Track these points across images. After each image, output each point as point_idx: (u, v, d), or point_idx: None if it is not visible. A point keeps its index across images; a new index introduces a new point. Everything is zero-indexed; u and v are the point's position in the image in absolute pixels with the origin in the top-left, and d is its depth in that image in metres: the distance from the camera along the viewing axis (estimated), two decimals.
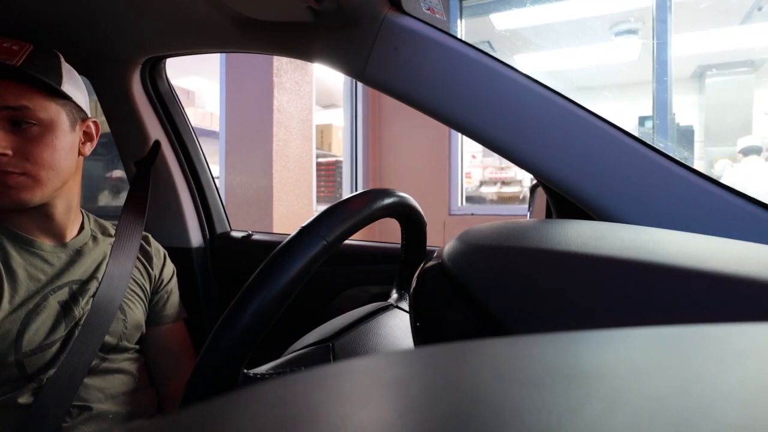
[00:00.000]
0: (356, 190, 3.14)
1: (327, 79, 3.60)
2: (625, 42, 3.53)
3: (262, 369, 0.46)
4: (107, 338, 0.73)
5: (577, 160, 0.54)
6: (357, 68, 0.63)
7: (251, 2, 0.63)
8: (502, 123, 0.56)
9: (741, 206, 0.49)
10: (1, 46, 0.66)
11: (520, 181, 4.61)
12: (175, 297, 0.89)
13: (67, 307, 0.71)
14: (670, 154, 0.52)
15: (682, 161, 0.52)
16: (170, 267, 0.89)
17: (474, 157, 4.68)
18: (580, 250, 0.30)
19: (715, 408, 0.11)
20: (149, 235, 0.89)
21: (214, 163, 1.87)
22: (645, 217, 0.51)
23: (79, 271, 0.75)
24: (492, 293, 0.31)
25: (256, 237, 1.11)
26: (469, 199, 3.67)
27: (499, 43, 3.62)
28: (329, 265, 0.59)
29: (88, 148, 0.77)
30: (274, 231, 2.43)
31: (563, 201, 0.57)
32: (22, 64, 0.65)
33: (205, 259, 1.10)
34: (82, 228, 0.79)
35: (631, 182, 0.52)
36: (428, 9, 0.63)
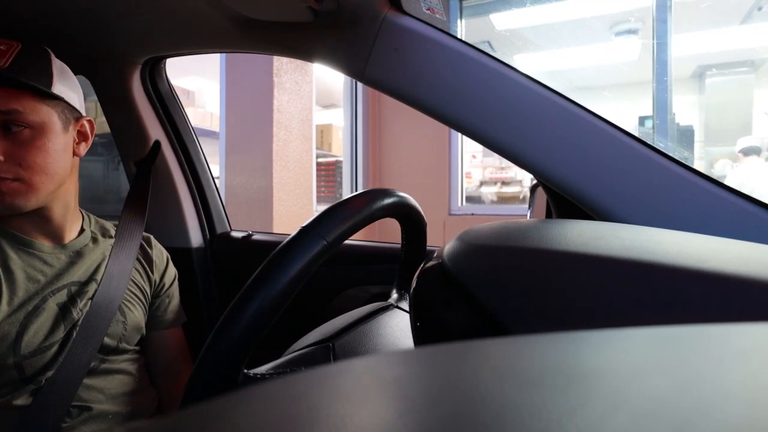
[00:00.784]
0: (356, 190, 3.14)
1: (327, 79, 3.60)
2: (625, 42, 3.53)
3: (263, 369, 0.46)
4: (107, 340, 0.73)
5: (578, 160, 0.54)
6: (357, 68, 0.63)
7: (251, 2, 0.63)
8: (502, 123, 0.56)
9: (741, 206, 0.49)
10: None
11: (520, 181, 4.61)
12: (175, 301, 0.89)
13: (66, 309, 0.71)
14: (670, 154, 0.52)
15: (682, 161, 0.52)
16: (172, 271, 0.89)
17: (474, 157, 4.68)
18: (580, 250, 0.30)
19: (715, 408, 0.11)
20: (152, 237, 0.89)
21: (214, 163, 1.87)
22: (645, 217, 0.51)
23: (78, 273, 0.74)
24: (492, 293, 0.31)
25: (256, 237, 1.11)
26: (469, 199, 3.67)
27: (499, 43, 3.62)
28: (329, 265, 0.59)
29: (83, 148, 0.75)
30: (274, 231, 2.43)
31: (563, 201, 0.57)
32: (10, 65, 0.63)
33: (205, 259, 1.10)
34: (82, 229, 0.79)
35: (631, 182, 0.52)
36: (428, 9, 0.63)
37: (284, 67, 2.52)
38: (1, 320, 0.65)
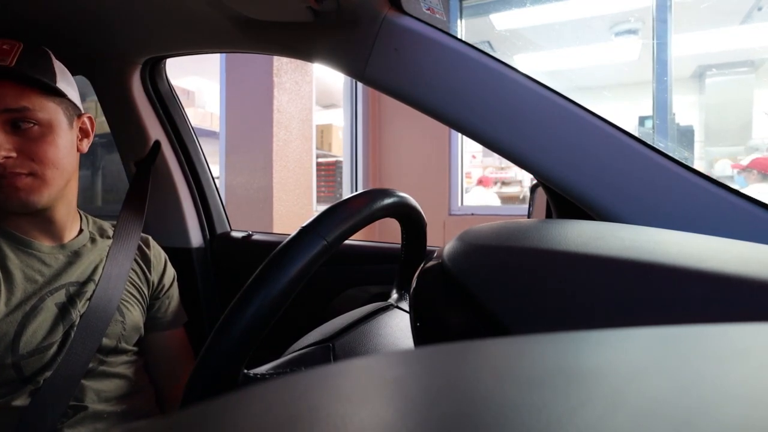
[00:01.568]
0: (356, 190, 3.14)
1: (327, 79, 3.60)
2: (625, 42, 3.53)
3: (263, 369, 0.46)
4: (106, 340, 0.73)
5: (577, 160, 0.54)
6: (357, 68, 0.63)
7: (251, 2, 0.63)
8: (502, 123, 0.56)
9: (741, 206, 0.49)
10: None
11: (520, 182, 4.62)
12: (175, 302, 0.89)
13: (64, 309, 0.71)
14: (670, 154, 0.52)
15: (682, 161, 0.52)
16: (171, 272, 0.89)
17: (474, 157, 4.68)
18: (580, 250, 0.30)
19: (715, 408, 0.11)
20: (150, 239, 0.89)
21: (214, 163, 1.87)
22: (645, 217, 0.51)
23: (77, 273, 0.74)
24: (492, 293, 0.31)
25: (256, 237, 1.11)
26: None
27: (499, 43, 3.62)
28: (329, 265, 0.59)
29: (86, 145, 0.76)
30: (274, 231, 2.43)
31: (563, 201, 0.57)
32: (16, 63, 0.64)
33: (205, 260, 1.10)
34: (81, 230, 0.79)
35: (631, 182, 0.52)
36: (428, 9, 0.63)
37: (284, 67, 2.52)
38: None
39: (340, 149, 3.58)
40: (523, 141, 0.55)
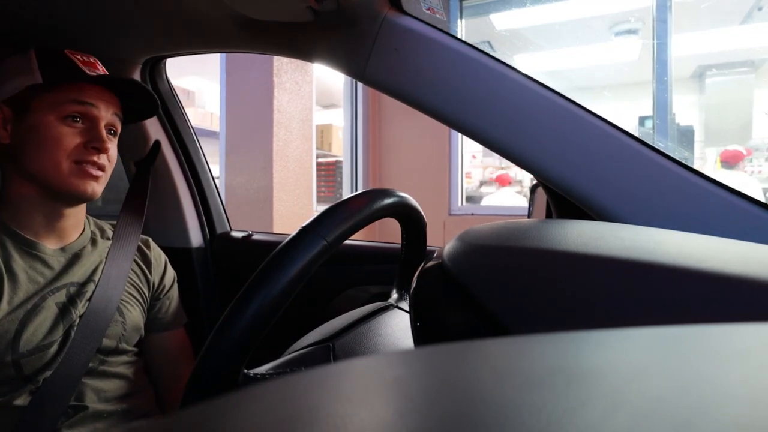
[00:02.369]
0: (356, 191, 3.14)
1: (327, 79, 3.61)
2: (626, 42, 3.53)
3: (263, 369, 0.46)
4: (106, 341, 0.73)
5: (577, 160, 0.54)
6: (357, 68, 0.63)
7: (251, 2, 0.63)
8: (502, 123, 0.56)
9: (740, 206, 0.49)
10: (82, 60, 0.73)
11: (520, 182, 4.61)
12: (176, 303, 0.89)
13: (65, 309, 0.71)
14: (670, 154, 0.52)
15: (682, 161, 0.52)
16: (171, 273, 0.89)
17: (474, 157, 4.67)
18: (580, 250, 0.30)
19: (715, 408, 0.11)
20: (150, 240, 0.89)
21: (214, 163, 1.87)
22: (645, 217, 0.51)
23: (78, 273, 0.75)
24: (492, 293, 0.31)
25: (256, 237, 1.11)
26: (469, 199, 3.67)
27: (499, 43, 3.62)
28: (329, 265, 0.59)
29: None
30: (274, 231, 2.43)
31: (563, 201, 0.57)
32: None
33: (205, 259, 1.10)
34: (82, 231, 0.79)
35: (631, 182, 0.52)
36: (428, 9, 0.63)
37: (284, 67, 2.52)
38: (0, 318, 0.65)
39: (340, 149, 3.59)
40: (523, 141, 0.55)
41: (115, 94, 0.75)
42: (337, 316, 0.62)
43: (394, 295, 0.67)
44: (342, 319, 0.59)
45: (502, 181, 4.22)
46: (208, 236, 1.12)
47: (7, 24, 0.81)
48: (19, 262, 0.70)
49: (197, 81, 3.63)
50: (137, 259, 0.83)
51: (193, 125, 1.13)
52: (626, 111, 3.71)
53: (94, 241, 0.80)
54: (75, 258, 0.76)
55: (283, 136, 2.52)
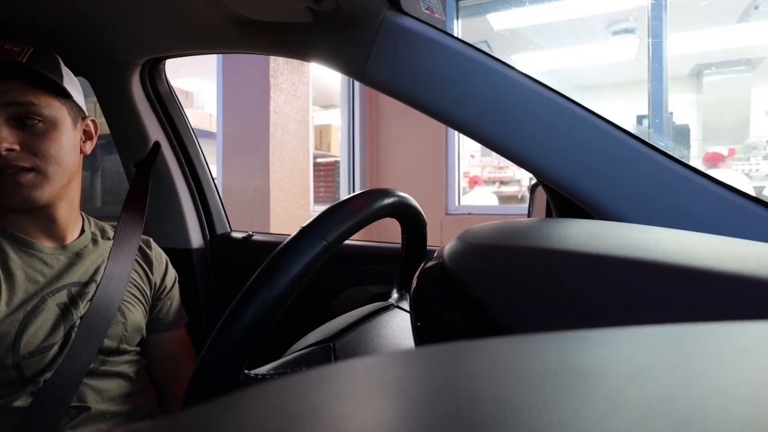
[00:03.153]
0: (354, 190, 3.14)
1: (326, 79, 3.60)
2: (623, 41, 3.53)
3: (263, 369, 0.46)
4: (107, 341, 0.73)
5: (577, 159, 0.54)
6: (356, 68, 0.63)
7: (250, 3, 0.63)
8: (502, 122, 0.56)
9: (740, 204, 0.49)
10: (2, 47, 0.67)
11: (519, 181, 4.61)
12: (177, 303, 0.89)
13: (65, 310, 0.71)
14: (669, 153, 0.52)
15: (681, 159, 0.52)
16: (172, 274, 0.89)
17: (473, 156, 4.68)
18: (580, 249, 0.30)
19: (716, 407, 0.11)
20: (151, 240, 0.89)
21: (212, 164, 1.87)
22: (645, 215, 0.51)
23: (78, 274, 0.74)
24: (492, 292, 0.31)
25: (256, 237, 1.11)
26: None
27: (497, 43, 3.62)
28: (330, 265, 0.59)
29: (89, 147, 0.78)
30: (271, 231, 2.43)
31: (563, 200, 0.57)
32: (27, 61, 0.66)
33: (205, 260, 1.10)
34: (82, 231, 0.79)
35: (630, 181, 0.52)
36: (427, 9, 0.63)
37: (281, 68, 2.52)
38: (0, 320, 0.65)
39: (339, 149, 3.59)
40: (522, 140, 0.55)
41: (19, 78, 0.66)
42: (338, 316, 0.62)
43: (395, 295, 0.67)
44: (343, 319, 0.59)
45: (473, 182, 4.33)
46: (208, 237, 1.12)
47: (6, 24, 0.81)
48: (16, 262, 0.69)
49: (196, 82, 3.63)
50: (139, 259, 0.83)
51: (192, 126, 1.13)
52: (624, 110, 3.72)
53: (95, 241, 0.80)
54: (76, 258, 0.75)
55: (279, 136, 2.52)
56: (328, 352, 0.50)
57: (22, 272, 0.69)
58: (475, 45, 0.59)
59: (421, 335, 0.34)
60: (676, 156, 0.52)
